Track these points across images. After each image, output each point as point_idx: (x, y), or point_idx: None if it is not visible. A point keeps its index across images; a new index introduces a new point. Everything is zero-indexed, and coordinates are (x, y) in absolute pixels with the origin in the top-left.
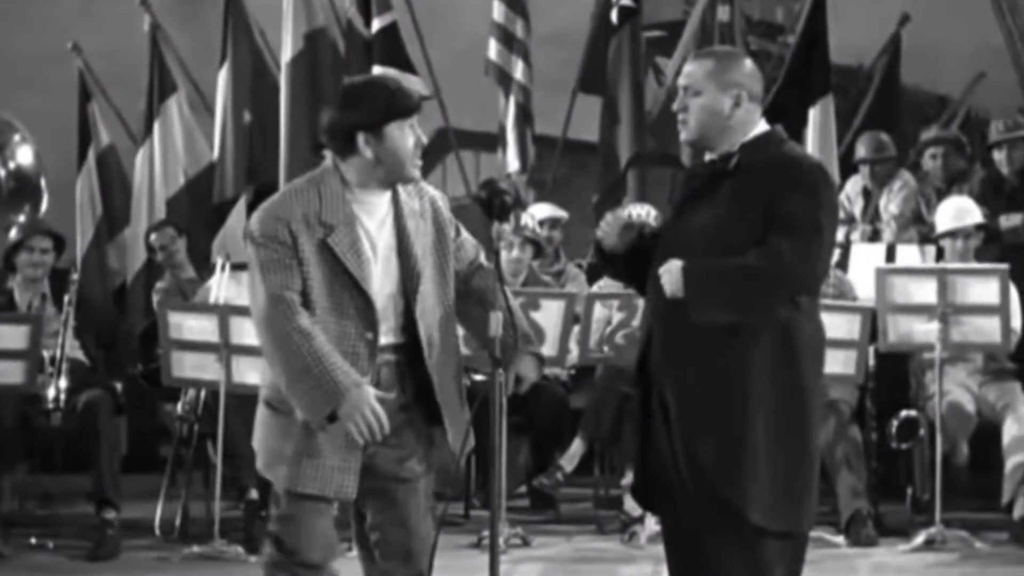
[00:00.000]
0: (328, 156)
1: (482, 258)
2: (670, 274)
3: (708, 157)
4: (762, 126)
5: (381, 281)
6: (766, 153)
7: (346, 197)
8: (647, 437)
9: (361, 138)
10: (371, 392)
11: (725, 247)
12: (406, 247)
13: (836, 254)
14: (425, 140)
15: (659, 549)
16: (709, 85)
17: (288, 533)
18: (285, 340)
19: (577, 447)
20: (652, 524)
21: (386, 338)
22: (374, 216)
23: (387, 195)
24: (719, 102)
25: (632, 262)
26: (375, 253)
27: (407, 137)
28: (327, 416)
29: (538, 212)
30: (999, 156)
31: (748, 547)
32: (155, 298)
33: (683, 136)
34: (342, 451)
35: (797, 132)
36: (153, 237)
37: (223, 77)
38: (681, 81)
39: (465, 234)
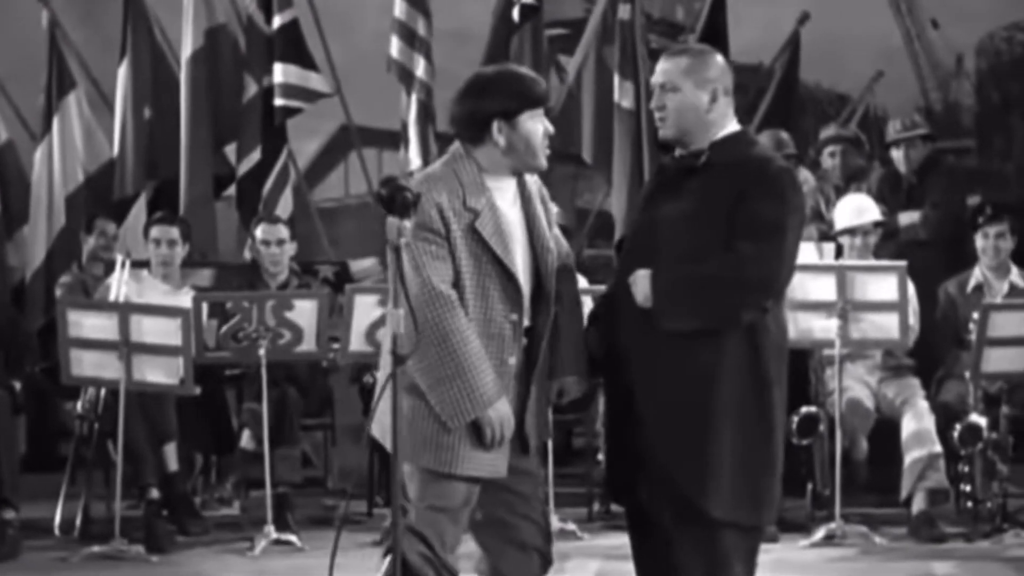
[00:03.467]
0: (457, 144)
1: (569, 260)
2: (637, 284)
3: (678, 152)
4: (733, 125)
5: (522, 264)
6: (735, 153)
7: (485, 182)
8: (614, 429)
9: (495, 126)
10: (509, 409)
11: (691, 243)
12: (537, 230)
13: None
14: (552, 130)
15: (561, 545)
16: (686, 82)
17: (432, 523)
18: (442, 340)
19: None
20: (555, 522)
21: (525, 319)
22: (505, 200)
23: (514, 180)
24: (697, 98)
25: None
26: (513, 236)
27: (538, 126)
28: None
29: None
30: (897, 154)
31: (708, 540)
32: (58, 292)
33: (662, 133)
34: None
35: None
36: (99, 221)
37: (123, 73)
38: (657, 79)
39: (557, 229)
